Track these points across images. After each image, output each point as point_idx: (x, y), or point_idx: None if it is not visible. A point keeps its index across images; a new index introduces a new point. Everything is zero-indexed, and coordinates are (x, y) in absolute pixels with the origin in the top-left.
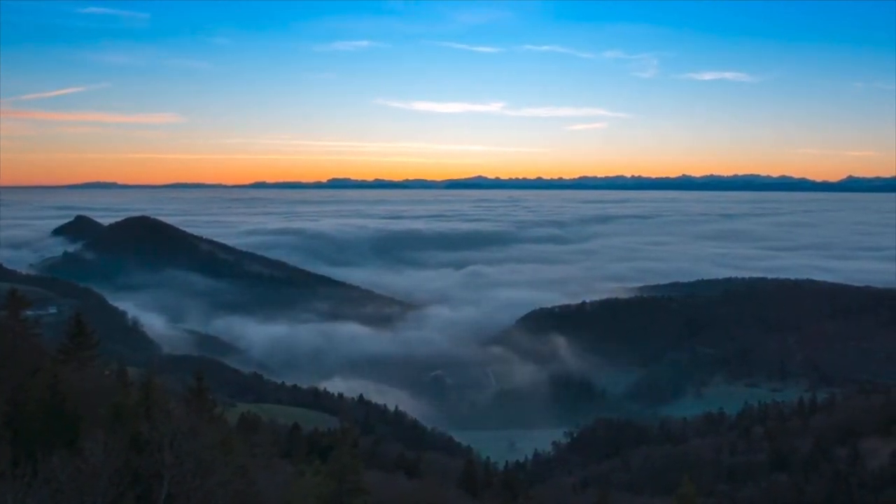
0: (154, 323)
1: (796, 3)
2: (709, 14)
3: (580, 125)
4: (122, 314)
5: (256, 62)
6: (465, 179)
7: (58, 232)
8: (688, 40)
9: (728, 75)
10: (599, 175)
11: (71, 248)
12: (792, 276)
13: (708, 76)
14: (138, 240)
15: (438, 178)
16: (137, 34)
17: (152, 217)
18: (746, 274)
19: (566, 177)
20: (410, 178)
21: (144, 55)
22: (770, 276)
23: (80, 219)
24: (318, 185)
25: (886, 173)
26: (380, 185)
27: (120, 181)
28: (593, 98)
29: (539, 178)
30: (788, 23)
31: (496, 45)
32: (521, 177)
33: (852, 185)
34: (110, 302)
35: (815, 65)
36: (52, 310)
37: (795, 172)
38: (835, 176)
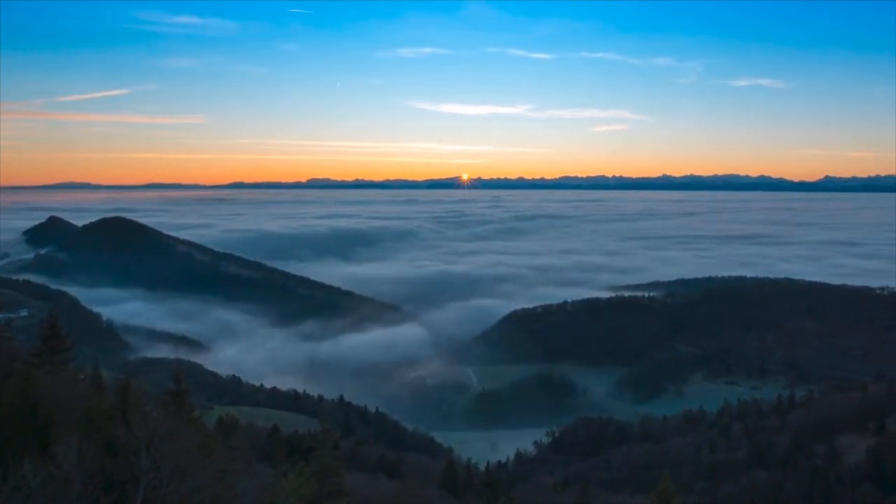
0: (129, 325)
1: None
2: (753, 22)
3: (602, 127)
4: (97, 316)
5: (312, 67)
6: (446, 180)
7: (29, 233)
8: (731, 48)
9: (763, 82)
10: (581, 175)
11: (43, 250)
12: (772, 276)
13: (742, 82)
14: (112, 240)
15: (420, 179)
16: (214, 41)
17: (127, 218)
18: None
19: (548, 177)
20: (392, 178)
21: (210, 61)
22: (746, 275)
23: (52, 219)
24: (297, 186)
25: (863, 173)
26: (360, 185)
27: (94, 181)
28: (620, 101)
29: (521, 178)
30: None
31: (553, 52)
32: (502, 177)
33: (830, 184)
34: (84, 304)
35: (796, 68)
36: (24, 312)
37: (774, 172)
38: (813, 176)
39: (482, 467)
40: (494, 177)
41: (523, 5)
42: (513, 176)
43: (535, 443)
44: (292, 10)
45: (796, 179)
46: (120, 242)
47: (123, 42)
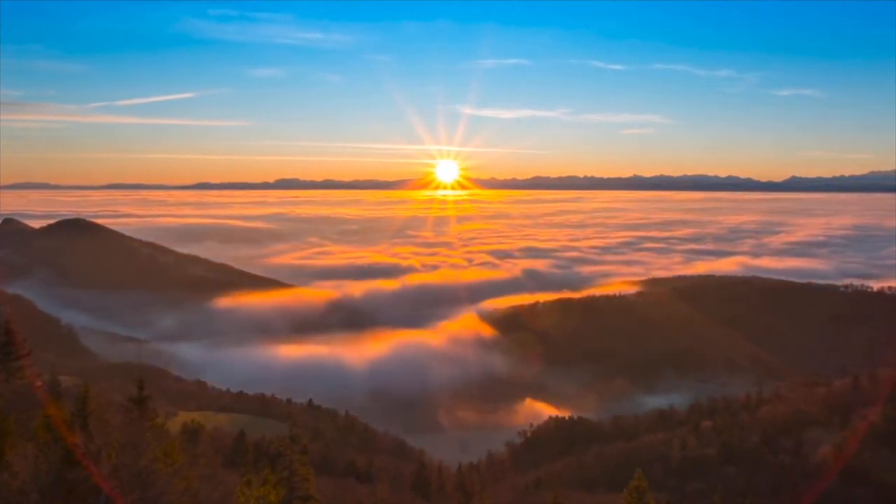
0: (89, 329)
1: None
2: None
3: (630, 130)
4: (55, 321)
5: (384, 77)
6: (404, 180)
7: None
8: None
9: (807, 92)
10: (553, 175)
11: None
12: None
13: (785, 92)
14: (71, 243)
15: (391, 179)
16: (316, 52)
17: (87, 220)
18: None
19: (519, 177)
20: (361, 178)
21: (296, 70)
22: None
23: (7, 221)
24: (264, 186)
25: (828, 174)
26: (328, 185)
27: (52, 181)
28: (656, 107)
29: (492, 179)
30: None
31: (629, 63)
32: (477, 177)
33: (795, 185)
34: (41, 309)
35: (770, 69)
36: None
37: (742, 172)
38: (779, 176)
39: (454, 469)
40: (479, 177)
41: (622, 21)
42: (485, 177)
43: (507, 443)
44: (402, 23)
45: (763, 179)
46: (80, 244)
47: (222, 50)
